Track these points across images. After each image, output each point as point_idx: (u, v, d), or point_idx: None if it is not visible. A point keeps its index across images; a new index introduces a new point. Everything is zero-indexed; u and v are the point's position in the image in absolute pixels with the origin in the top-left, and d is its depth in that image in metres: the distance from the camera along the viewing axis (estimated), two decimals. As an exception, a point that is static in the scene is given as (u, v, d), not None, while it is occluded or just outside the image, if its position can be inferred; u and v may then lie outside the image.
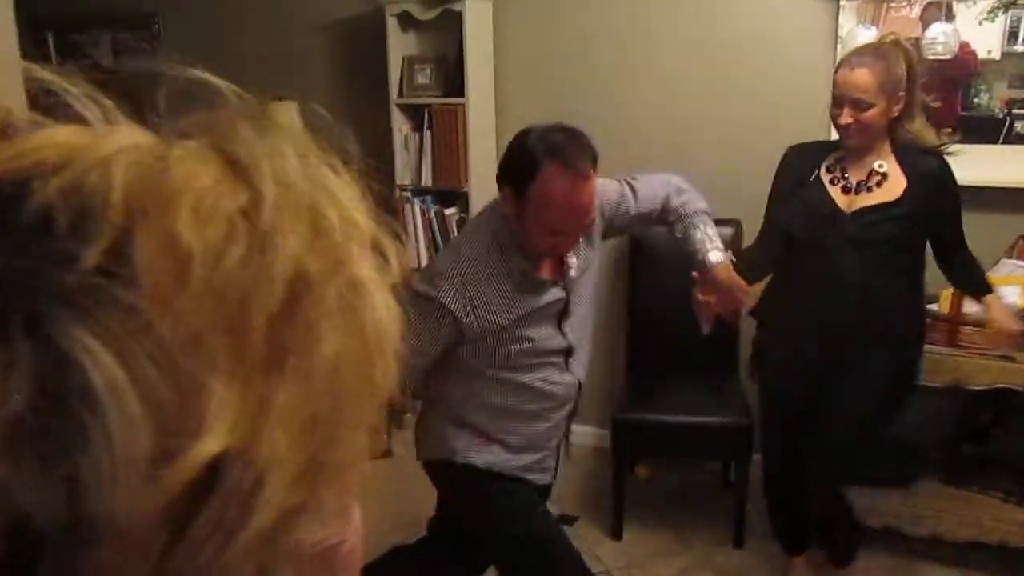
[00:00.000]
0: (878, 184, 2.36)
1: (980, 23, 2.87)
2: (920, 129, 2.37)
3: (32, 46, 4.99)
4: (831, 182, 2.42)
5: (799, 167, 2.49)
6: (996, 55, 2.91)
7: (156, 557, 0.27)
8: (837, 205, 2.39)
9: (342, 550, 0.36)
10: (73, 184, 0.29)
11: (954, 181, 2.37)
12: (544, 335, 2.04)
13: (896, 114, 2.30)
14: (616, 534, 3.13)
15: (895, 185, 2.35)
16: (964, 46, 2.91)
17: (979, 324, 2.65)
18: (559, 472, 2.36)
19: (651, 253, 3.40)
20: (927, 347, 2.71)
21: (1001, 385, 2.64)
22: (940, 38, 2.89)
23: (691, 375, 3.25)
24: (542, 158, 1.81)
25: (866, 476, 2.92)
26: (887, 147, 2.37)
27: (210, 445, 0.27)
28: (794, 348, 2.54)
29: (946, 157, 2.38)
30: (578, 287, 2.09)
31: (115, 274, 0.28)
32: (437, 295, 1.93)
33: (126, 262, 0.28)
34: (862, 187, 2.37)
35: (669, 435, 3.13)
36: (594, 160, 1.86)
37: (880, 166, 2.36)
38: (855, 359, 2.45)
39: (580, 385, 2.18)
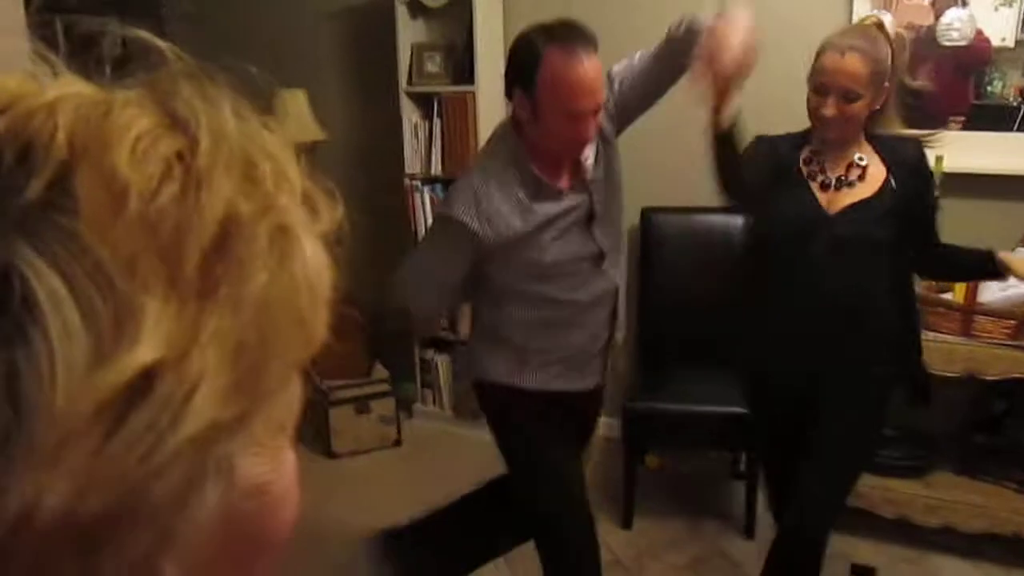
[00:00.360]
0: (859, 178, 2.14)
1: (996, 9, 2.84)
2: (891, 119, 2.17)
3: (40, 32, 4.99)
4: (809, 176, 2.19)
5: (777, 154, 2.24)
6: (1010, 43, 2.88)
7: (92, 448, 0.30)
8: (820, 205, 2.15)
9: (273, 489, 0.39)
10: (20, 123, 0.32)
11: (930, 169, 2.21)
12: (572, 241, 2.06)
13: (879, 106, 2.09)
14: (626, 523, 3.12)
15: (875, 177, 2.15)
16: (978, 33, 2.89)
17: (994, 313, 2.63)
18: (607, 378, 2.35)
19: (661, 241, 3.39)
20: (941, 336, 2.70)
21: (1015, 375, 2.62)
22: (956, 24, 2.87)
23: (702, 364, 3.23)
24: (544, 44, 1.89)
25: (880, 465, 2.92)
26: (862, 137, 2.17)
27: (143, 354, 0.31)
28: (785, 366, 2.28)
29: (927, 146, 2.21)
30: (600, 188, 2.09)
31: (58, 204, 0.31)
32: (452, 213, 1.99)
33: (68, 193, 0.31)
34: (842, 183, 2.14)
35: (680, 425, 3.13)
36: (594, 43, 1.92)
37: (860, 159, 2.15)
38: (850, 372, 2.22)
39: (616, 290, 2.19)
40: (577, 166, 2.06)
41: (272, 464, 0.39)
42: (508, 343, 2.17)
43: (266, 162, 0.37)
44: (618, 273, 2.21)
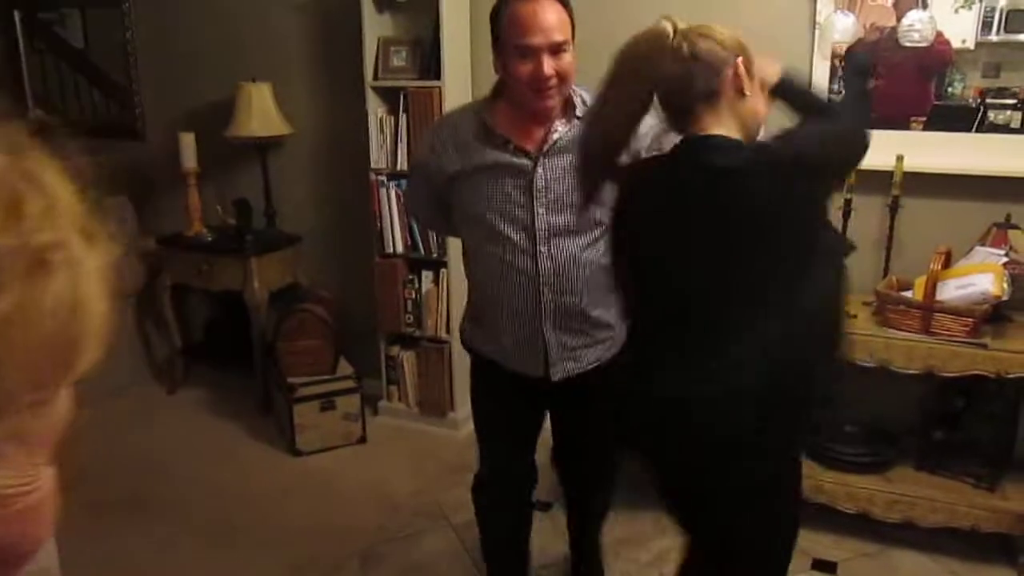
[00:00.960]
0: None
1: (956, 11, 2.88)
2: None
3: (-2, 24, 4.89)
4: None
5: None
6: (970, 44, 2.92)
7: None
8: None
9: (28, 499, 0.42)
10: None
11: None
12: (507, 202, 2.07)
13: None
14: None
15: None
16: (939, 35, 2.93)
17: (953, 311, 2.67)
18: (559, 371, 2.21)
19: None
20: (901, 334, 2.73)
21: (973, 372, 2.66)
22: (917, 25, 2.90)
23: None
24: None
25: (841, 460, 2.95)
26: None
27: None
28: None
29: None
30: (554, 167, 2.06)
31: None
32: (421, 144, 2.29)
33: None
34: None
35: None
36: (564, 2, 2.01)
37: None
38: None
39: (548, 281, 2.10)
40: (544, 135, 2.07)
41: (19, 478, 0.41)
42: (470, 300, 2.32)
43: (38, 199, 0.40)
44: (552, 262, 2.09)
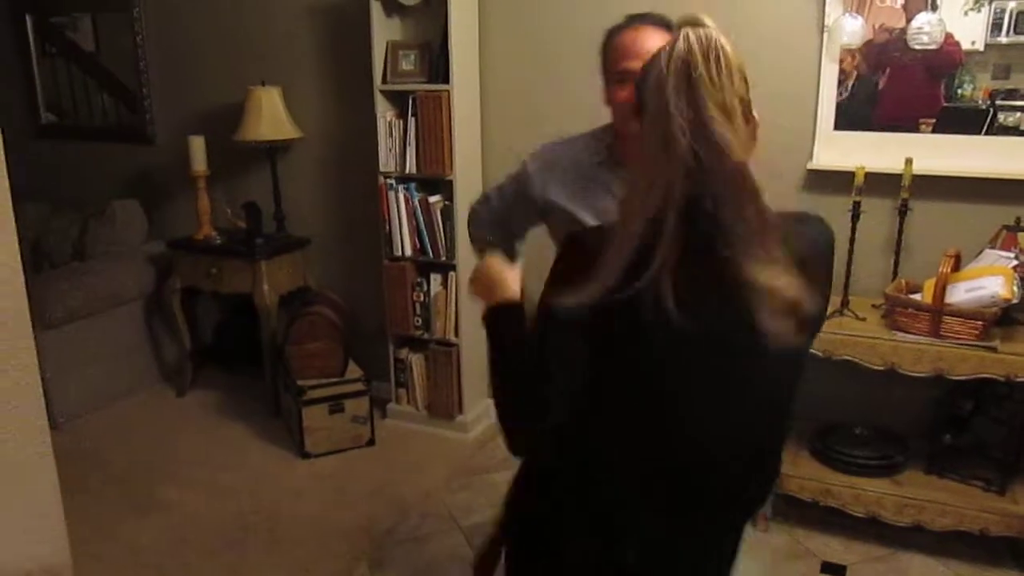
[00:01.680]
0: None
1: (966, 13, 2.87)
2: None
3: (11, 30, 4.92)
4: None
5: None
6: (980, 46, 2.91)
7: None
8: None
9: None
10: None
11: None
12: None
13: None
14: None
15: None
16: (948, 37, 2.92)
17: (962, 314, 2.66)
18: None
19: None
20: (910, 336, 2.72)
21: (982, 375, 2.65)
22: (926, 28, 2.89)
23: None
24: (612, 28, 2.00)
25: (851, 464, 2.95)
26: None
27: None
28: None
29: None
30: None
31: None
32: (526, 158, 2.15)
33: None
34: None
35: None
36: (665, 24, 1.95)
37: None
38: None
39: None
40: None
41: None
42: None
43: None
44: None
